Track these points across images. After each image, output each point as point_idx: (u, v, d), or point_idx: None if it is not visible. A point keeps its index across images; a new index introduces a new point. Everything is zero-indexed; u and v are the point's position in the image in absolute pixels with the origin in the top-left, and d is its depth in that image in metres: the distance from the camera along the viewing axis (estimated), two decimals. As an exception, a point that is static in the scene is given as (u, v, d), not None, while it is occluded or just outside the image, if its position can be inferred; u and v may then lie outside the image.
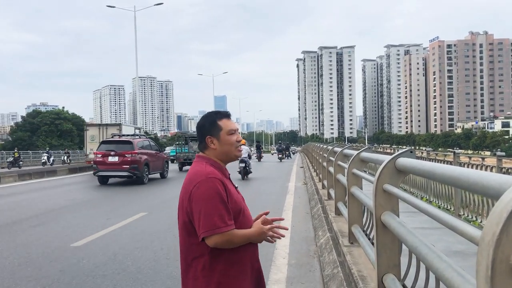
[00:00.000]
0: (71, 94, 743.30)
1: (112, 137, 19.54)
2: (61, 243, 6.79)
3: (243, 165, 17.71)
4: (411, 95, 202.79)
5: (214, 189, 1.90)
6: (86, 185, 16.80)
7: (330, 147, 9.81)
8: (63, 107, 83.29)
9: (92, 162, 18.05)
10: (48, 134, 67.25)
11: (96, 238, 7.15)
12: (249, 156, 19.75)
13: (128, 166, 15.95)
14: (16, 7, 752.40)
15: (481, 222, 7.28)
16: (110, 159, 16.17)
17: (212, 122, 2.09)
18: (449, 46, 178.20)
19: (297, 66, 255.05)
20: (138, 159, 16.25)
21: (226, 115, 2.13)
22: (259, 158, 38.40)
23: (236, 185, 2.15)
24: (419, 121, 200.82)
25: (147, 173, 16.64)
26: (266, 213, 2.15)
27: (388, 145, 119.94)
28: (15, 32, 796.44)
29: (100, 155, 16.42)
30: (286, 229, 2.17)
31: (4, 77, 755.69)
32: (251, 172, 18.68)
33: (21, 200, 12.45)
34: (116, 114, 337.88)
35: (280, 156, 39.55)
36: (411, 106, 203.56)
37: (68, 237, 7.25)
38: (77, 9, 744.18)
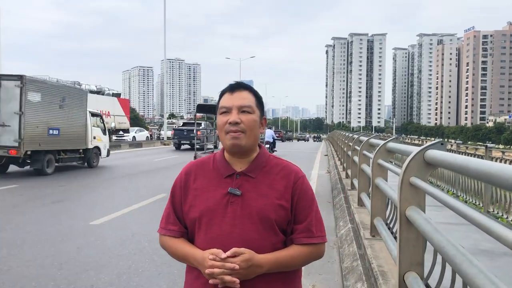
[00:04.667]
0: (102, 74, 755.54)
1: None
2: (80, 221, 6.82)
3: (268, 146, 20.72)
4: (442, 86, 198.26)
5: (174, 182, 1.62)
6: (108, 164, 17.00)
7: (355, 136, 9.56)
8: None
9: None
10: (78, 112, 68.54)
11: (116, 218, 7.16)
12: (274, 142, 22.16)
13: None
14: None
15: (507, 218, 7.00)
16: None
17: (218, 99, 1.60)
18: (485, 36, 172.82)
19: (326, 52, 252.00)
20: None
21: (230, 88, 1.54)
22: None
23: (237, 192, 1.47)
24: (449, 113, 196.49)
25: None
26: (237, 254, 1.37)
27: (416, 136, 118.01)
28: (50, 11, 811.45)
29: None
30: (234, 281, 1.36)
31: (38, 56, 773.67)
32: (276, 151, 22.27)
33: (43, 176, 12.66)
34: (144, 95, 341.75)
35: (315, 140, 77.53)
36: (441, 97, 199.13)
37: (88, 215, 7.29)
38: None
